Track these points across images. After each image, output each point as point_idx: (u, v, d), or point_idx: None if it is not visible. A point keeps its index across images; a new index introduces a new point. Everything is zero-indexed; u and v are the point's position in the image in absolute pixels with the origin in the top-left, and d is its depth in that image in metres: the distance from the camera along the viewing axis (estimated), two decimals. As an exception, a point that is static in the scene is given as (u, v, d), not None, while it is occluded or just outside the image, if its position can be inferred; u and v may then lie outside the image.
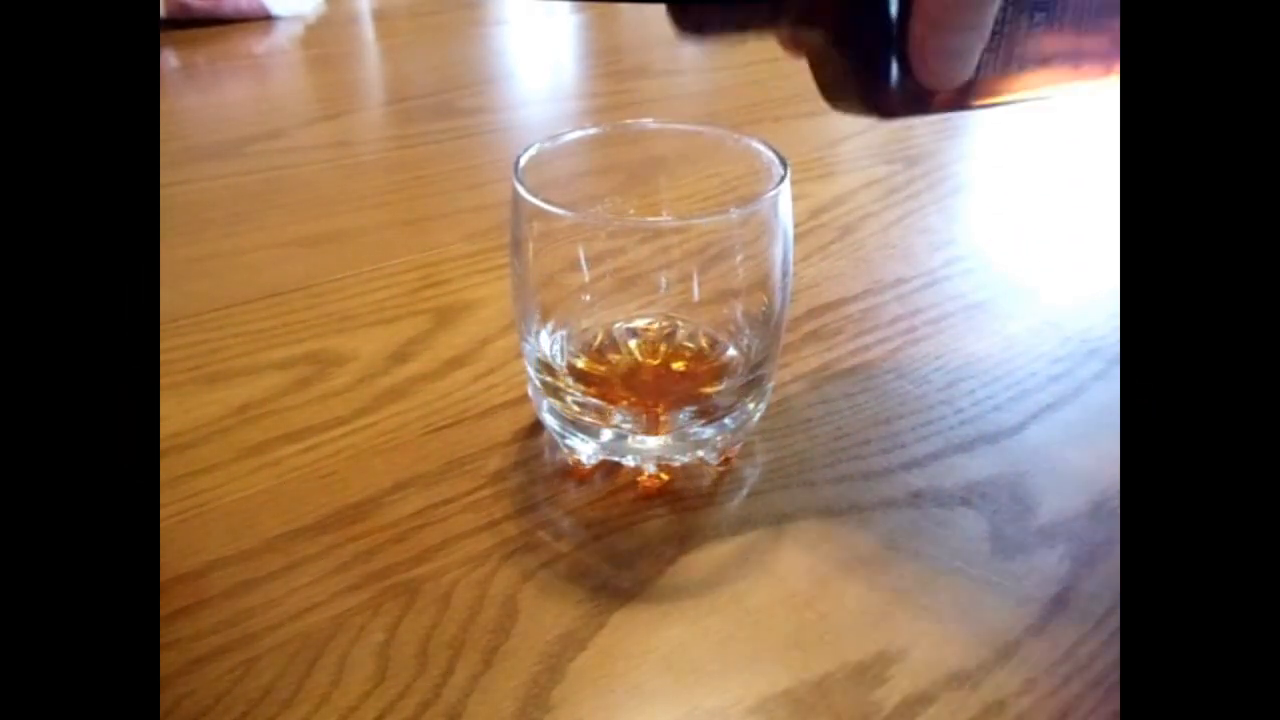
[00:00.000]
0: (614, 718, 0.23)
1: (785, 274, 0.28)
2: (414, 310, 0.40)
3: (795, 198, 0.28)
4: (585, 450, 0.30)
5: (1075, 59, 0.26)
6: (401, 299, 0.41)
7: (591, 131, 0.31)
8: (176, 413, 0.33)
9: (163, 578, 0.26)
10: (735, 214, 0.27)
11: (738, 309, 0.30)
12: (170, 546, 0.28)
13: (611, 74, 0.77)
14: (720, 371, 0.31)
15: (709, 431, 0.29)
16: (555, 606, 0.26)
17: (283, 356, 0.37)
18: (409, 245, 0.45)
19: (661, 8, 0.23)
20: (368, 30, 0.87)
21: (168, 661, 0.24)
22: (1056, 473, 0.31)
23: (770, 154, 0.28)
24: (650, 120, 0.32)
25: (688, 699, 0.23)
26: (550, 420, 0.30)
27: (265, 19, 0.85)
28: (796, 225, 0.46)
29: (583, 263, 0.30)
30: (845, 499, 0.30)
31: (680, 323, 0.32)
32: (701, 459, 0.30)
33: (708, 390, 0.30)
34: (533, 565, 0.27)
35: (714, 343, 0.31)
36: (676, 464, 0.30)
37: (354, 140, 0.61)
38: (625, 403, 0.29)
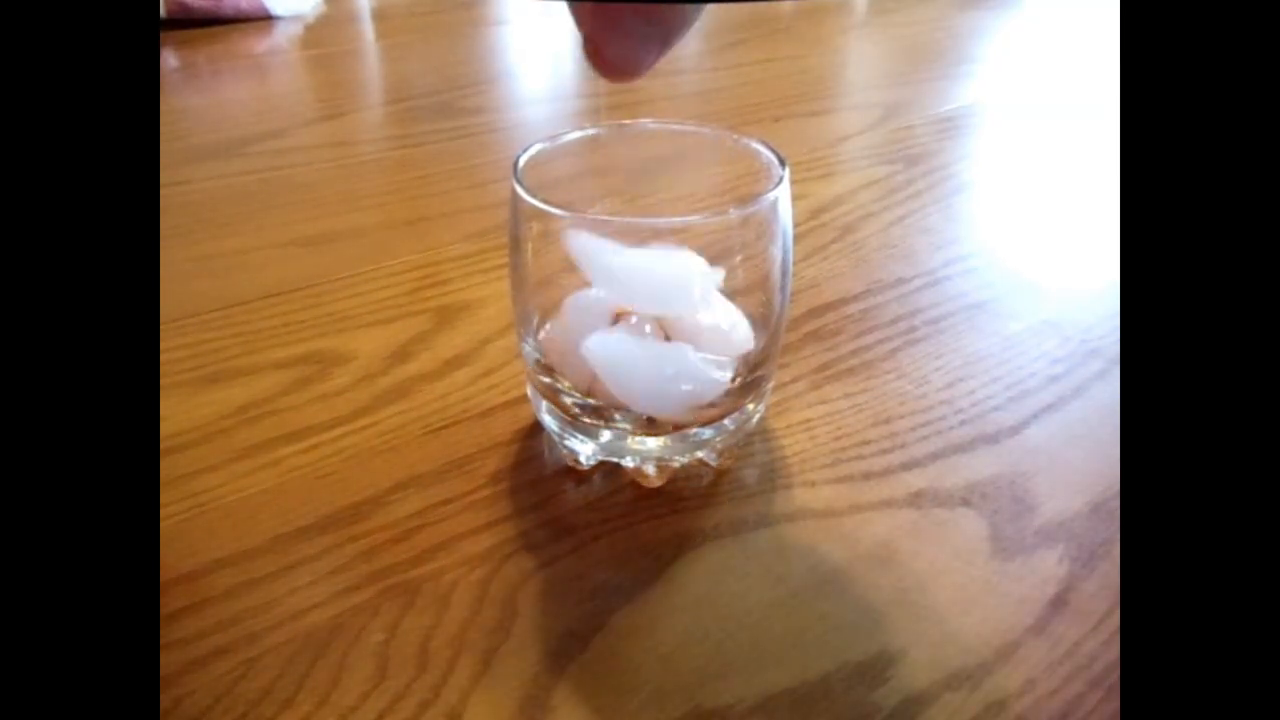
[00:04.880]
0: (614, 718, 0.23)
1: (785, 274, 0.28)
2: (414, 310, 0.40)
3: (795, 198, 0.28)
4: (584, 451, 0.30)
5: None
6: (401, 299, 0.41)
7: (591, 131, 0.31)
8: (176, 413, 0.33)
9: (163, 578, 0.26)
10: (735, 214, 0.27)
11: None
12: (170, 546, 0.28)
13: (611, 74, 0.77)
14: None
15: (709, 432, 0.29)
16: (555, 606, 0.26)
17: (283, 356, 0.37)
18: (409, 245, 0.45)
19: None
20: (368, 30, 0.87)
21: (168, 661, 0.24)
22: (1056, 473, 0.31)
23: (770, 154, 0.28)
24: (650, 120, 0.32)
25: (688, 699, 0.23)
26: (549, 421, 0.30)
27: (265, 19, 0.85)
28: (796, 225, 0.46)
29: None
30: (845, 499, 0.30)
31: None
32: (701, 459, 0.30)
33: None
34: (533, 565, 0.27)
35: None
36: (676, 464, 0.30)
37: (354, 140, 0.61)
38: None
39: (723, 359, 0.28)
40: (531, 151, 0.28)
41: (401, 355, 0.37)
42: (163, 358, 0.36)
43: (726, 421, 0.29)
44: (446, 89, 0.69)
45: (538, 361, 0.29)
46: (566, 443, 0.30)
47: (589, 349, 0.27)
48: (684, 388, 0.27)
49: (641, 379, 0.27)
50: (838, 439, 0.32)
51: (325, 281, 0.42)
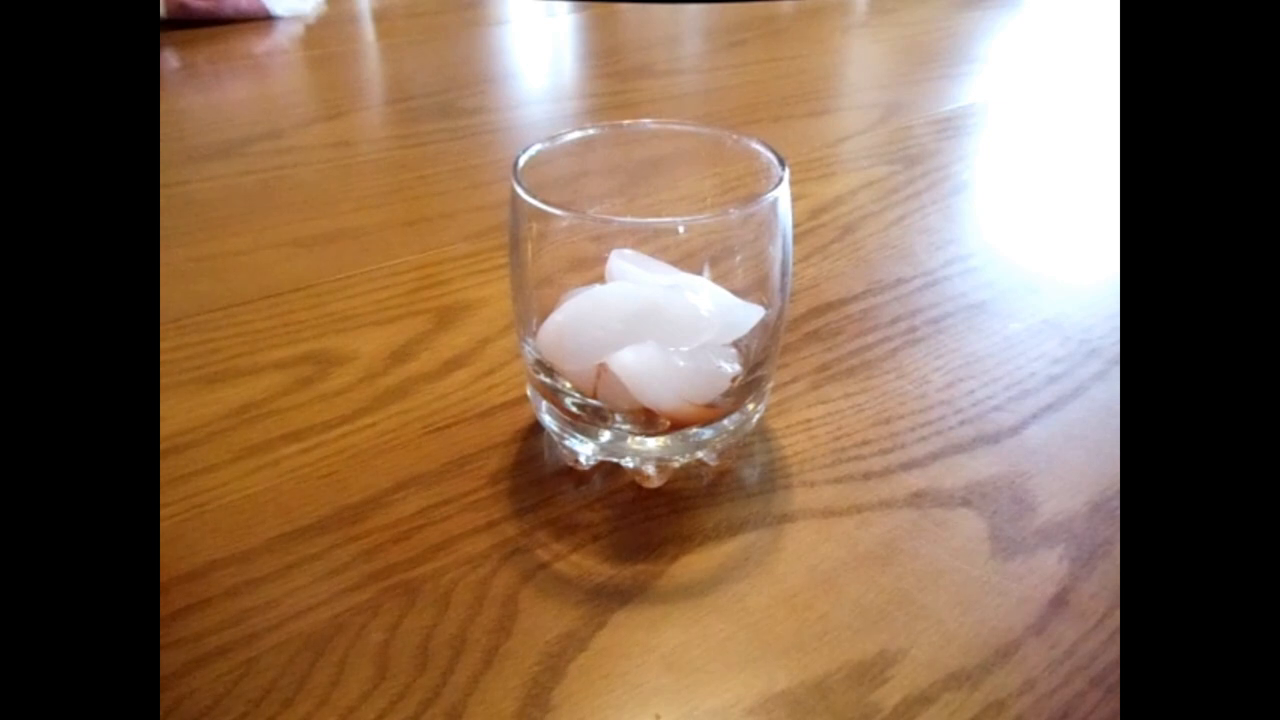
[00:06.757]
0: (614, 718, 0.23)
1: (785, 274, 0.28)
2: (414, 310, 0.40)
3: (795, 198, 0.28)
4: (584, 451, 0.30)
5: None
6: (401, 299, 0.41)
7: (591, 131, 0.31)
8: (176, 413, 0.33)
9: (163, 578, 0.26)
10: (735, 214, 0.27)
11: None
12: (170, 546, 0.28)
13: (611, 74, 0.77)
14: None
15: (709, 432, 0.29)
16: (555, 606, 0.26)
17: (283, 356, 0.37)
18: (409, 245, 0.45)
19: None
20: (368, 30, 0.87)
21: (168, 661, 0.24)
22: (1056, 473, 0.31)
23: (770, 154, 0.28)
24: (650, 120, 0.32)
25: (688, 699, 0.23)
26: (549, 421, 0.30)
27: (265, 19, 0.85)
28: (796, 225, 0.46)
29: (582, 263, 0.30)
30: (845, 499, 0.30)
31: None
32: (701, 459, 0.30)
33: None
34: (533, 565, 0.27)
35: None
36: (676, 464, 0.30)
37: (354, 140, 0.61)
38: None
39: (730, 350, 0.28)
40: (531, 151, 0.28)
41: (401, 355, 0.37)
42: (163, 358, 0.36)
43: (726, 421, 0.29)
44: (446, 89, 0.69)
45: (538, 361, 0.29)
46: (566, 443, 0.30)
47: (619, 362, 0.27)
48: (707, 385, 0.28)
49: (671, 389, 0.27)
50: (838, 439, 0.32)
51: (325, 281, 0.42)
